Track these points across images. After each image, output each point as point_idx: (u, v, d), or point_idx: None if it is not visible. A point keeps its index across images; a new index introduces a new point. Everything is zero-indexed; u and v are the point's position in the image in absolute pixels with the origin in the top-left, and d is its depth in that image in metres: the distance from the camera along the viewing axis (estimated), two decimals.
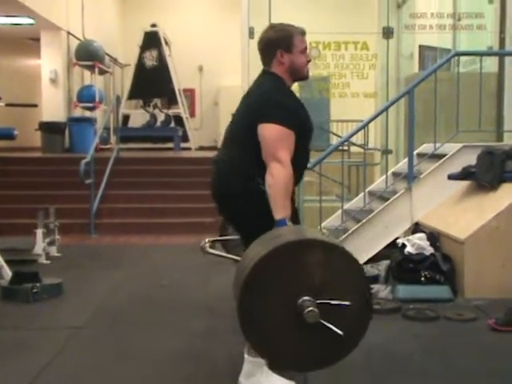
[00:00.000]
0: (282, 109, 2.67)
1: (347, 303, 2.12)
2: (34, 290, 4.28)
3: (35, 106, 7.58)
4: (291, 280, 2.10)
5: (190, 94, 15.24)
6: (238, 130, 2.81)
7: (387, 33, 7.48)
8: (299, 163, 2.74)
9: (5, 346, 3.42)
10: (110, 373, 3.03)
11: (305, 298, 2.08)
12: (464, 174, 4.97)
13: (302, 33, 2.84)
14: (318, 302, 2.08)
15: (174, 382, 2.95)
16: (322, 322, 2.08)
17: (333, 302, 2.10)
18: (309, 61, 2.87)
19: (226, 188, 2.77)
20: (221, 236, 3.46)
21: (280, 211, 2.53)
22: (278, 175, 2.56)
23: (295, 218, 2.81)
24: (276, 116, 2.63)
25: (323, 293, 2.10)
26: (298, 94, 8.73)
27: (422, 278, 4.42)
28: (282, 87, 2.78)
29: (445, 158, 5.27)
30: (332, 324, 2.11)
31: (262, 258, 2.09)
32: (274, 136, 2.61)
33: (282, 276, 2.10)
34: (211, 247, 2.82)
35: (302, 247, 2.14)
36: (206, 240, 2.83)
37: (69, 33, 11.51)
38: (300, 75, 2.84)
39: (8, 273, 4.70)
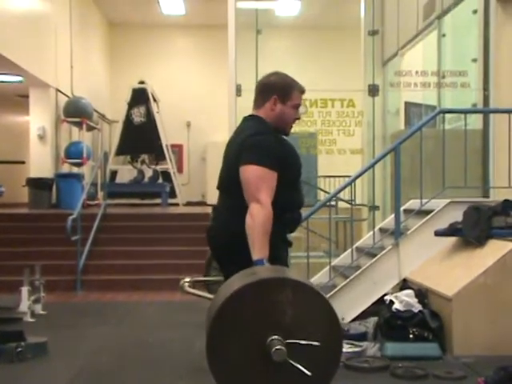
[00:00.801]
0: (261, 149, 2.65)
1: (316, 343, 2.09)
2: (19, 350, 4.21)
3: (22, 162, 7.60)
4: (261, 317, 2.08)
5: (177, 149, 15.37)
6: (223, 177, 2.83)
7: (373, 90, 7.64)
8: (291, 202, 2.75)
9: None
10: None
11: (274, 336, 2.05)
12: (451, 231, 5.01)
13: (302, 91, 2.87)
14: (287, 341, 2.05)
15: None
16: (290, 361, 2.05)
17: (302, 342, 2.07)
18: (297, 118, 2.89)
19: (221, 232, 2.77)
20: (205, 276, 3.43)
21: (258, 252, 2.51)
22: (257, 215, 2.54)
23: (286, 260, 2.81)
24: (254, 157, 2.62)
25: (293, 331, 2.08)
26: None
27: (411, 336, 4.40)
28: (264, 128, 2.76)
29: (432, 214, 5.32)
30: (301, 363, 2.07)
31: (233, 293, 2.08)
32: (252, 177, 2.60)
33: (252, 313, 2.08)
34: (190, 286, 2.80)
35: (273, 285, 2.13)
36: (186, 279, 2.81)
37: (57, 90, 11.64)
38: (284, 129, 2.84)
39: None
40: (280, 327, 2.07)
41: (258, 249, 2.51)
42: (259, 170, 2.61)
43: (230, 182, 2.73)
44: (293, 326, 2.09)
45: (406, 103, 8.48)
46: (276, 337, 2.05)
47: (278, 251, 2.70)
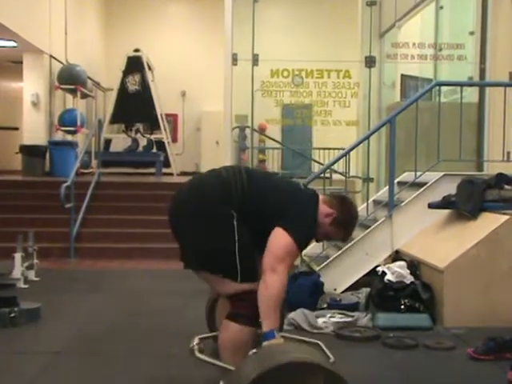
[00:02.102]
0: (304, 227, 2.74)
1: None
2: (12, 315, 4.23)
3: (16, 129, 7.54)
4: None
5: (172, 119, 15.28)
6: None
7: (369, 62, 7.59)
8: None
9: None
10: None
11: None
12: (444, 203, 5.02)
13: (347, 237, 3.04)
14: None
15: None
16: None
17: None
18: (318, 241, 3.11)
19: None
20: (208, 325, 3.34)
21: (269, 323, 2.55)
22: (271, 286, 2.59)
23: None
24: (295, 230, 2.67)
25: None
26: (280, 121, 8.69)
27: (402, 306, 4.43)
28: (316, 210, 2.84)
29: (425, 186, 5.33)
30: None
31: (260, 374, 1.98)
32: (283, 247, 2.65)
33: None
34: (201, 350, 2.72)
35: (303, 369, 2.03)
36: (195, 341, 2.74)
37: (51, 56, 11.51)
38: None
39: None
40: None
41: (270, 320, 2.56)
42: (293, 245, 2.67)
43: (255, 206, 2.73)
44: None
45: (403, 76, 8.44)
46: None
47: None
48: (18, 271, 5.62)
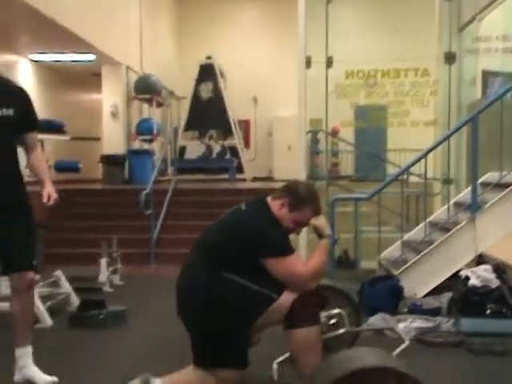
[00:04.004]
0: (278, 236, 2.80)
1: None
2: (101, 317, 4.41)
3: (98, 139, 7.82)
4: None
5: (244, 124, 15.42)
6: (219, 246, 2.83)
7: (449, 58, 7.33)
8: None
9: (77, 371, 3.53)
10: None
11: None
12: None
13: (316, 212, 3.00)
14: None
15: None
16: None
17: None
18: (292, 232, 3.01)
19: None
20: None
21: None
22: (313, 270, 2.81)
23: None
24: (276, 247, 2.76)
25: None
26: (354, 123, 8.49)
27: (488, 311, 4.30)
28: (269, 217, 2.87)
29: (511, 187, 5.14)
30: None
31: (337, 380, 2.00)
32: (287, 268, 2.74)
33: None
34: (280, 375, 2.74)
35: (377, 374, 2.03)
36: (275, 365, 2.77)
37: (128, 67, 11.86)
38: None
39: (75, 300, 4.87)
40: None
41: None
42: (287, 260, 2.75)
43: (227, 255, 2.77)
44: None
45: (484, 71, 8.11)
46: None
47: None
48: (103, 276, 5.82)
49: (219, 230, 2.92)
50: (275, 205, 2.91)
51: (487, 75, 8.10)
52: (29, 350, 3.25)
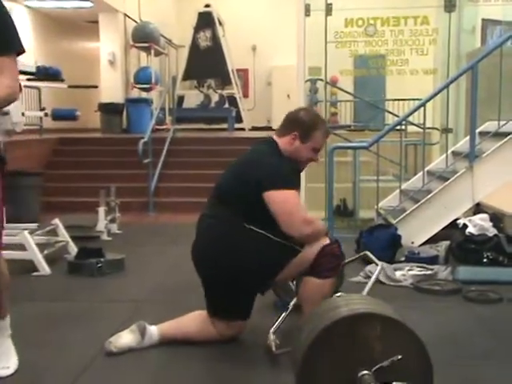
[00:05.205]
0: (284, 172, 2.75)
1: None
2: (99, 265, 4.43)
3: (96, 87, 7.73)
4: (349, 355, 1.99)
5: (243, 74, 15.25)
6: (228, 189, 2.88)
7: (449, 6, 7.20)
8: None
9: (78, 316, 3.56)
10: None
11: (364, 372, 1.96)
12: None
13: (326, 135, 2.94)
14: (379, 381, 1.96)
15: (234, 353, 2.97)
16: None
17: (394, 383, 1.97)
18: (313, 160, 2.95)
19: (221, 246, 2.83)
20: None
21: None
22: (317, 231, 2.76)
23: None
24: (279, 180, 2.71)
25: (383, 368, 1.97)
26: (353, 72, 8.41)
27: (485, 260, 4.33)
28: (278, 154, 2.84)
29: (509, 136, 5.11)
30: None
31: (318, 334, 2.00)
32: (286, 202, 2.70)
33: (339, 351, 2.00)
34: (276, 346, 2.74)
35: (358, 321, 2.02)
36: (271, 336, 2.75)
37: (125, 15, 11.65)
38: (296, 163, 2.91)
39: (74, 248, 4.90)
40: (370, 363, 1.98)
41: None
42: (288, 194, 2.70)
43: (237, 198, 2.78)
44: (383, 362, 1.98)
45: (483, 20, 7.99)
46: (366, 372, 1.97)
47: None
48: (101, 224, 5.83)
49: (232, 175, 2.93)
50: (285, 141, 2.88)
51: (487, 24, 7.97)
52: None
